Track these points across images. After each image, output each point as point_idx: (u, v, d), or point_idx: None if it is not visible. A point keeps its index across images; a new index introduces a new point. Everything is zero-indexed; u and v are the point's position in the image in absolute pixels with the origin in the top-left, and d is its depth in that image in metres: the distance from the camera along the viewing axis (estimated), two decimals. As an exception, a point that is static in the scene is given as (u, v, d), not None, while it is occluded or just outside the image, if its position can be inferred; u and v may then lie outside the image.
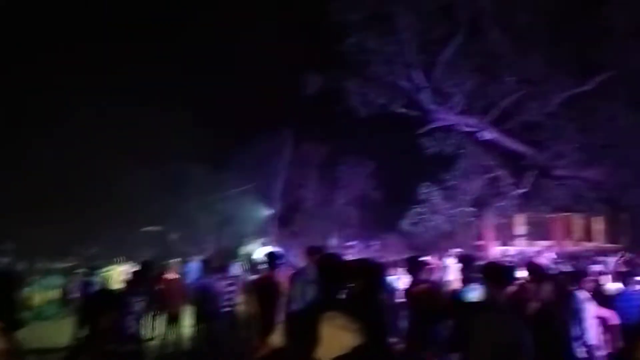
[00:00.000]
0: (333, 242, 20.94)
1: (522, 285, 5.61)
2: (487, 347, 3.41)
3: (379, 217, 22.40)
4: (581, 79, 14.97)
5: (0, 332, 2.92)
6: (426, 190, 16.77)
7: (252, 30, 20.96)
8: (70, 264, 15.28)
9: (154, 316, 10.84)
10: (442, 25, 15.27)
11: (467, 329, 3.62)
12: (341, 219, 24.02)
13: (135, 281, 9.00)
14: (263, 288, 5.89)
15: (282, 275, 6.03)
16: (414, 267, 5.87)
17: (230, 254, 16.85)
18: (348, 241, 22.41)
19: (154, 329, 10.91)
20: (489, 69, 15.49)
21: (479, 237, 21.67)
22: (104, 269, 13.56)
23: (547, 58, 14.83)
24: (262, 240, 17.40)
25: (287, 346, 3.02)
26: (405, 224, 17.16)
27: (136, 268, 12.41)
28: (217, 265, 10.00)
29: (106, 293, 7.15)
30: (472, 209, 16.93)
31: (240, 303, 11.18)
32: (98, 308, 5.58)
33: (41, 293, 12.41)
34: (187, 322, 9.78)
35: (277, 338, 3.07)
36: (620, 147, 14.46)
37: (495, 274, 3.70)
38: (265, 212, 22.78)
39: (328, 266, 3.15)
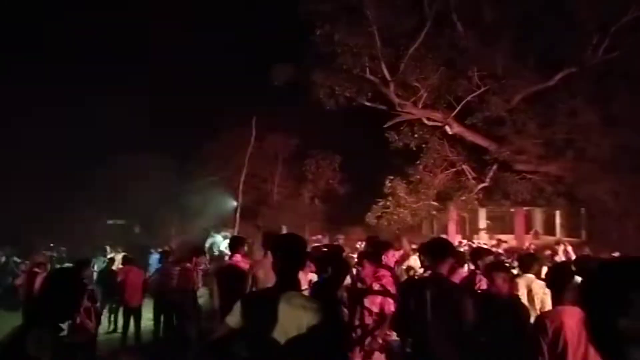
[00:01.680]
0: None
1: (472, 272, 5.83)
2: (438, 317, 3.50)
3: (345, 211, 22.50)
4: (543, 75, 15.32)
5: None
6: (391, 183, 16.84)
7: (219, 18, 20.66)
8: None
9: (114, 308, 10.64)
10: (409, 18, 15.35)
11: (416, 303, 3.71)
12: (307, 212, 24.00)
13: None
14: (226, 276, 5.79)
15: (245, 263, 5.94)
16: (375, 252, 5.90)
17: (193, 246, 16.62)
18: (313, 235, 22.41)
19: (114, 321, 10.71)
20: (454, 63, 15.69)
21: (442, 231, 22.03)
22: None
23: (511, 54, 15.12)
24: (225, 233, 17.21)
25: (244, 327, 2.95)
26: (370, 218, 17.21)
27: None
28: (178, 257, 9.90)
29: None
30: (435, 203, 17.09)
31: (203, 294, 11.12)
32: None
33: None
34: (148, 315, 9.60)
35: (233, 319, 2.99)
36: (579, 143, 14.85)
37: (435, 249, 3.84)
38: (230, 204, 22.58)
39: (284, 245, 3.08)
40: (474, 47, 15.17)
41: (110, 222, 25.03)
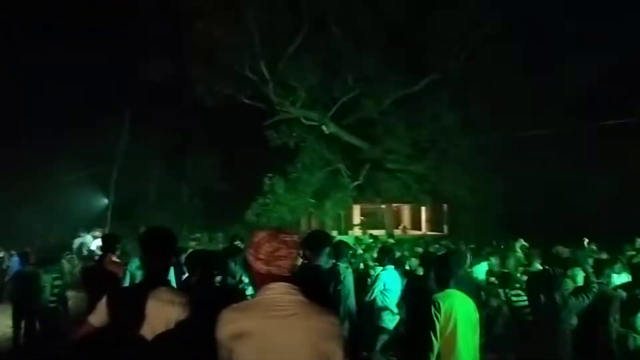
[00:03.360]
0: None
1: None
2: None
3: (225, 209, 22.32)
4: (411, 80, 16.45)
5: None
6: (270, 181, 17.06)
7: (95, 9, 19.42)
8: None
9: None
10: (287, 19, 15.66)
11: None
12: (185, 210, 23.47)
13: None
14: (95, 278, 5.52)
15: (119, 265, 5.62)
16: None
17: (59, 247, 15.56)
18: (192, 234, 21.95)
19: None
20: (331, 65, 16.28)
21: (320, 227, 22.68)
22: None
23: (382, 59, 16.04)
24: (96, 232, 16.30)
25: (110, 324, 2.92)
26: (249, 215, 17.29)
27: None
28: (41, 258, 9.25)
29: None
30: (313, 200, 17.60)
31: (70, 297, 10.50)
32: None
33: None
34: (7, 322, 8.90)
35: (97, 317, 2.94)
36: (442, 144, 16.17)
37: (314, 241, 4.04)
38: (101, 202, 21.40)
39: (152, 240, 3.08)
40: (349, 51, 15.87)
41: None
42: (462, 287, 3.80)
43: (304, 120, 17.26)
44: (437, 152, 16.33)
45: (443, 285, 3.72)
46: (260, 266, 2.07)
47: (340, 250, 5.64)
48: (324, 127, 17.24)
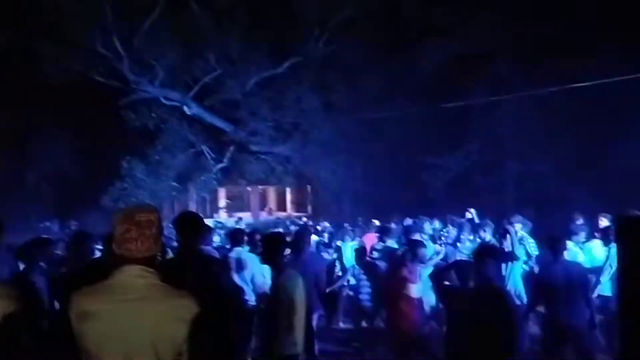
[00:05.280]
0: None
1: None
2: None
3: (78, 195, 20.93)
4: (273, 62, 16.51)
5: None
6: (128, 164, 16.22)
7: None
8: None
9: None
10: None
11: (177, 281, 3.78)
12: (33, 198, 21.62)
13: None
14: None
15: None
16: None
17: None
18: (42, 222, 20.27)
19: None
20: (191, 44, 15.75)
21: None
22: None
23: (245, 40, 15.89)
24: None
25: None
26: (106, 201, 16.32)
27: None
28: None
29: None
30: (175, 183, 17.08)
31: None
32: None
33: None
34: None
35: None
36: (304, 126, 16.51)
37: (188, 223, 3.83)
38: None
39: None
40: (210, 30, 15.47)
41: None
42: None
43: (163, 100, 16.55)
44: (300, 134, 16.63)
45: (280, 265, 3.89)
46: (114, 247, 2.04)
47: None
48: (185, 108, 16.70)
